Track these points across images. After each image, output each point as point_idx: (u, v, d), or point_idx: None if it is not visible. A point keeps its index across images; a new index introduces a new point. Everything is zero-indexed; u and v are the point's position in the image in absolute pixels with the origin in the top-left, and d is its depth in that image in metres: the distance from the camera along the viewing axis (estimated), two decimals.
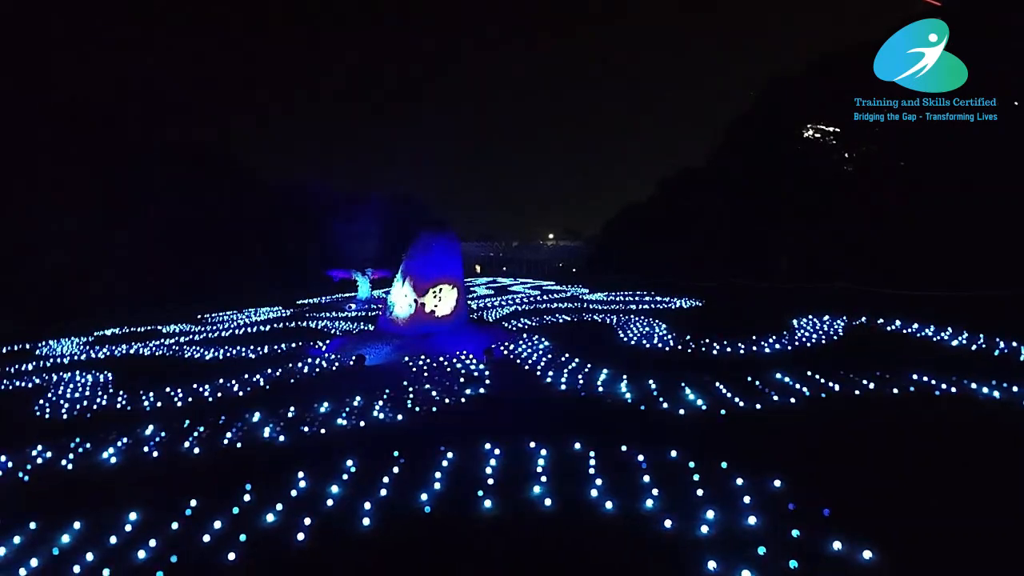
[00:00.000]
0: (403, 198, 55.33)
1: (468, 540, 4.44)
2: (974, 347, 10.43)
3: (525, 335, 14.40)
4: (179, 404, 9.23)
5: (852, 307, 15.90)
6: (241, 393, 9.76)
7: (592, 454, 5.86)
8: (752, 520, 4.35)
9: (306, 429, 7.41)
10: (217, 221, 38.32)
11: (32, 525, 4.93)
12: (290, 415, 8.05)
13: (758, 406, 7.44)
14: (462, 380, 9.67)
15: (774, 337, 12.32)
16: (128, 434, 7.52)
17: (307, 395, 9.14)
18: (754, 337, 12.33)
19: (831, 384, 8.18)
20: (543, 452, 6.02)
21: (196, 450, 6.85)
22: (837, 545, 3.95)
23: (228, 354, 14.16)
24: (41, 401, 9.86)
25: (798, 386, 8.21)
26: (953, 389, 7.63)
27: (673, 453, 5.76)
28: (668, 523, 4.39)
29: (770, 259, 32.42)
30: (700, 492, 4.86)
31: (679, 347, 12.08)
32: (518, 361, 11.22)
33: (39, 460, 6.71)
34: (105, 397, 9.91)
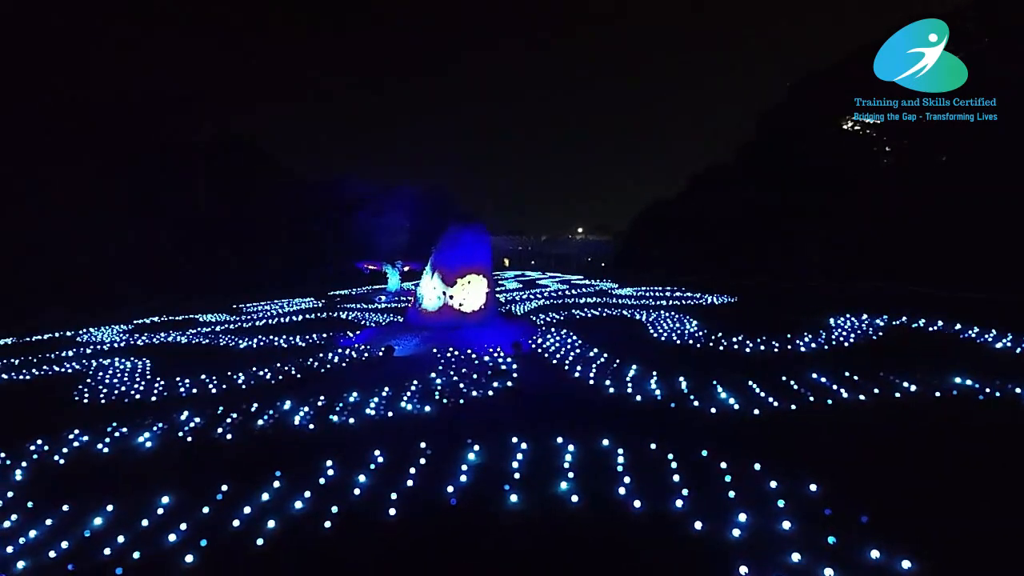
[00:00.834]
0: (433, 192, 55.64)
1: (493, 534, 4.40)
2: (1019, 350, 9.96)
3: (553, 329, 14.31)
4: (213, 391, 9.44)
5: (891, 306, 15.36)
6: (273, 381, 9.93)
7: (620, 451, 5.76)
8: (786, 525, 4.20)
9: (335, 418, 7.49)
10: (253, 216, 39.17)
11: (65, 508, 5.06)
12: (320, 403, 8.16)
13: (793, 406, 7.22)
14: (490, 373, 9.65)
15: (810, 336, 11.98)
16: (163, 419, 7.71)
17: (337, 384, 9.26)
18: (788, 335, 12.01)
19: (870, 385, 7.90)
20: (570, 448, 5.95)
21: (229, 436, 6.98)
22: (875, 553, 3.79)
23: (261, 343, 14.44)
24: (81, 387, 10.18)
25: (835, 387, 7.95)
26: (997, 393, 7.29)
27: (704, 453, 5.62)
28: (698, 524, 4.27)
29: (798, 255, 31.60)
30: (732, 494, 4.72)
31: (710, 344, 11.85)
32: (546, 355, 11.15)
33: (75, 444, 6.90)
34: (143, 383, 10.19)
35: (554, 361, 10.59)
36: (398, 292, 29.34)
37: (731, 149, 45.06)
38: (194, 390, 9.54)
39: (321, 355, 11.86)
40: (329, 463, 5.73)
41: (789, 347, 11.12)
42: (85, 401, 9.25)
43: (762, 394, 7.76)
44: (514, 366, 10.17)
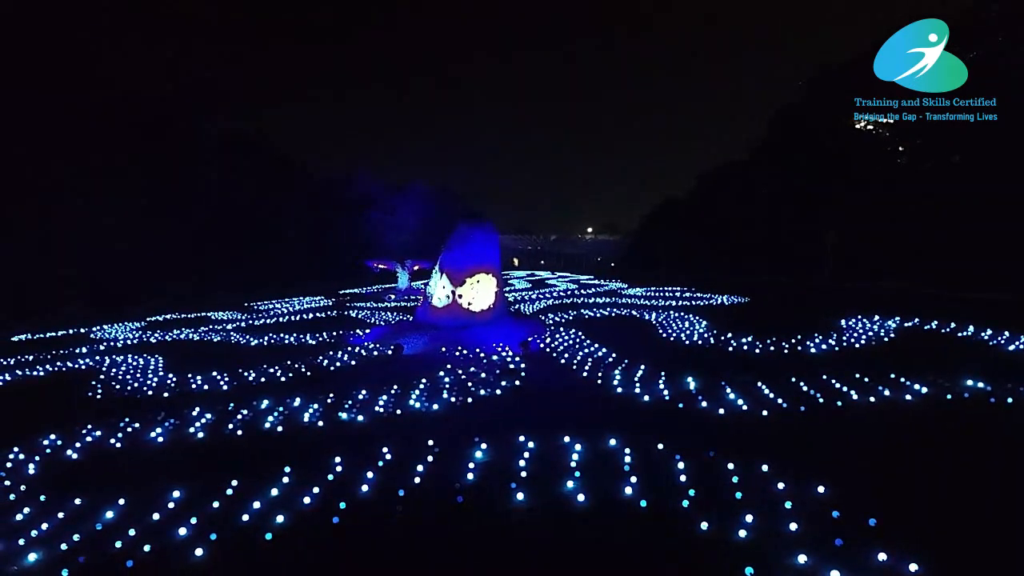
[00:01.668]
0: (442, 191, 55.84)
1: (499, 532, 4.42)
2: None
3: (562, 329, 14.31)
4: (225, 388, 9.54)
5: (904, 308, 15.19)
6: (284, 379, 10.02)
7: (627, 451, 5.76)
8: (793, 527, 4.19)
9: (344, 415, 7.55)
10: (264, 213, 39.49)
11: (77, 501, 5.13)
12: (329, 401, 8.22)
13: (802, 408, 7.17)
14: (498, 372, 9.67)
15: (820, 337, 11.88)
16: (175, 415, 7.81)
17: (346, 382, 9.33)
18: (799, 336, 11.92)
19: (881, 388, 7.83)
20: (577, 447, 5.96)
21: (239, 432, 7.06)
22: (882, 556, 3.77)
23: (272, 341, 14.57)
24: (94, 382, 10.32)
25: (845, 389, 7.88)
26: (1009, 399, 7.19)
27: (711, 454, 5.61)
28: (704, 525, 4.27)
29: (811, 255, 31.32)
30: (739, 495, 4.71)
31: (719, 344, 11.79)
32: (554, 355, 11.15)
33: (88, 439, 6.99)
34: (155, 379, 10.32)
35: (562, 360, 10.60)
36: (407, 291, 29.48)
37: (743, 148, 44.81)
38: (206, 387, 9.64)
39: (331, 353, 11.95)
40: (337, 460, 5.77)
41: (799, 348, 11.05)
42: (98, 397, 9.38)
43: (771, 395, 7.72)
44: (522, 365, 10.18)
